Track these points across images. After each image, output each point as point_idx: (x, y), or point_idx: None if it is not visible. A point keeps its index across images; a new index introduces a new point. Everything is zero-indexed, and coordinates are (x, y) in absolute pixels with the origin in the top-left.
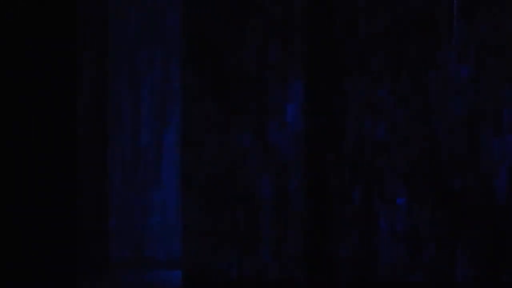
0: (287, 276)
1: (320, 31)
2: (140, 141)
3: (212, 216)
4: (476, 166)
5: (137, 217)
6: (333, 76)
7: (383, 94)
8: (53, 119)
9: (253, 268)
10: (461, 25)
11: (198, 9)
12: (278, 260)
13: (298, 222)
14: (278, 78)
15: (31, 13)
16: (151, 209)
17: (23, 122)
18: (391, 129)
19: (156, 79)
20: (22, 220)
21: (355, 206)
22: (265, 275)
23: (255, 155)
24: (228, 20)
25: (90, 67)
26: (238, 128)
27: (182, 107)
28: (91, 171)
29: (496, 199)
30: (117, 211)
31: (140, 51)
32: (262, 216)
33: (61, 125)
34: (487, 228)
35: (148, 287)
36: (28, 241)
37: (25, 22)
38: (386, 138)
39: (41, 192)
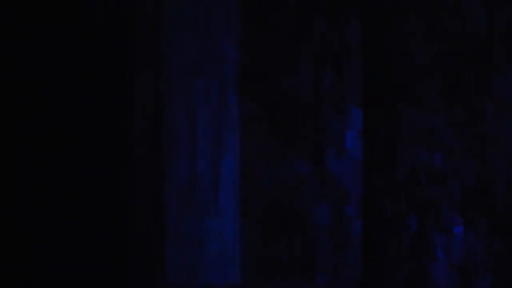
0: None
1: (376, 58)
2: (197, 167)
3: (270, 242)
4: None
5: (194, 243)
6: (389, 104)
7: (438, 122)
8: (107, 138)
9: None
10: None
11: (255, 36)
12: (335, 286)
13: (355, 249)
14: (336, 105)
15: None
16: (208, 235)
17: (74, 137)
18: (447, 158)
19: (213, 106)
20: (76, 245)
21: (412, 233)
22: None
23: (312, 182)
24: (283, 46)
25: (145, 92)
26: (295, 154)
27: (239, 134)
28: (147, 195)
29: None
30: (173, 236)
31: (196, 78)
32: (319, 243)
33: (115, 144)
34: None
35: None
36: (79, 264)
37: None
38: (442, 167)
39: (93, 213)
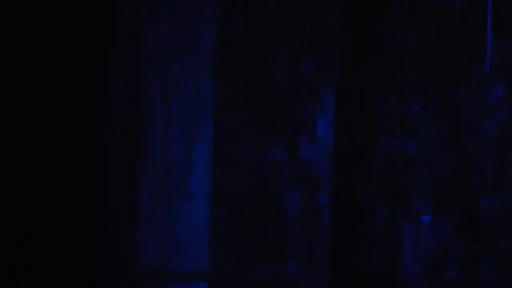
0: None
1: (353, 45)
2: (170, 152)
3: (241, 228)
4: (504, 187)
5: (165, 228)
6: (365, 91)
7: (414, 110)
8: (80, 121)
9: (281, 282)
10: (494, 41)
11: (232, 22)
12: (305, 273)
13: (326, 236)
14: (310, 92)
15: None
16: (179, 220)
17: (47, 123)
18: (421, 147)
19: (188, 92)
20: (46, 228)
21: (382, 222)
22: None
23: (286, 169)
24: (261, 33)
25: (121, 73)
26: (269, 141)
27: (213, 120)
28: (119, 179)
29: None
30: (144, 222)
31: (172, 64)
32: (291, 230)
33: (89, 124)
34: None
35: None
36: (51, 248)
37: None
38: (416, 156)
39: (64, 196)
